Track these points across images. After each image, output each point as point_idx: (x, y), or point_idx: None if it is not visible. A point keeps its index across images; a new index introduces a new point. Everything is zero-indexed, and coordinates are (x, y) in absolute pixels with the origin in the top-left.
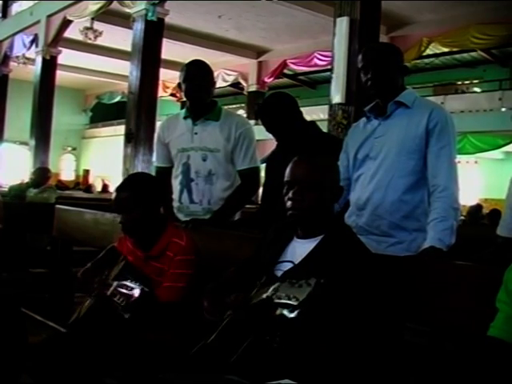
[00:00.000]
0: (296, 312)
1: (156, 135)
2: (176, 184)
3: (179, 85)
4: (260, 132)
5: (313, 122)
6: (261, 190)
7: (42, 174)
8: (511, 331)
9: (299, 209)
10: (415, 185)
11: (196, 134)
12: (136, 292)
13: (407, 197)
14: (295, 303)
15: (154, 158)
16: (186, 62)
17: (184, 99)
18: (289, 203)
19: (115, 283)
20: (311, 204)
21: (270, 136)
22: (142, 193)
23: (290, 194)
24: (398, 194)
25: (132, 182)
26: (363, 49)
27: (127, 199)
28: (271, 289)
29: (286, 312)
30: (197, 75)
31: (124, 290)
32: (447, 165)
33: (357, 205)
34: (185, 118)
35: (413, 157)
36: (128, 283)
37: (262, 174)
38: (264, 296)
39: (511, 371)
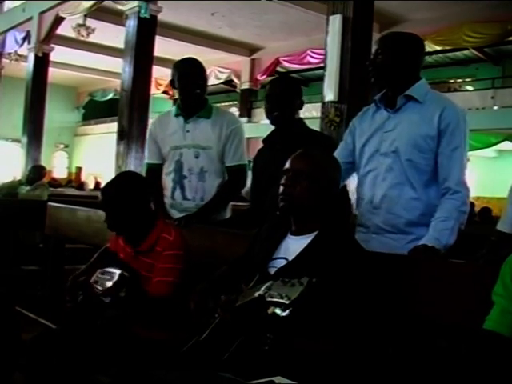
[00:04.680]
0: (288, 311)
1: (148, 132)
2: (168, 181)
3: (171, 82)
4: (252, 130)
5: (300, 119)
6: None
7: (37, 172)
8: (506, 324)
9: (289, 195)
10: (429, 181)
11: (188, 131)
12: (115, 276)
13: (422, 194)
14: (287, 302)
15: (146, 155)
16: (179, 59)
17: (177, 97)
18: (281, 189)
19: (98, 271)
20: (302, 192)
21: (263, 134)
22: (124, 192)
23: (283, 181)
24: (414, 192)
25: (114, 182)
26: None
27: (110, 199)
28: (264, 287)
29: (277, 311)
30: (193, 73)
31: (105, 276)
32: (459, 167)
33: (372, 203)
34: (176, 115)
35: (424, 156)
36: (109, 269)
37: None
38: (256, 294)
39: (507, 364)
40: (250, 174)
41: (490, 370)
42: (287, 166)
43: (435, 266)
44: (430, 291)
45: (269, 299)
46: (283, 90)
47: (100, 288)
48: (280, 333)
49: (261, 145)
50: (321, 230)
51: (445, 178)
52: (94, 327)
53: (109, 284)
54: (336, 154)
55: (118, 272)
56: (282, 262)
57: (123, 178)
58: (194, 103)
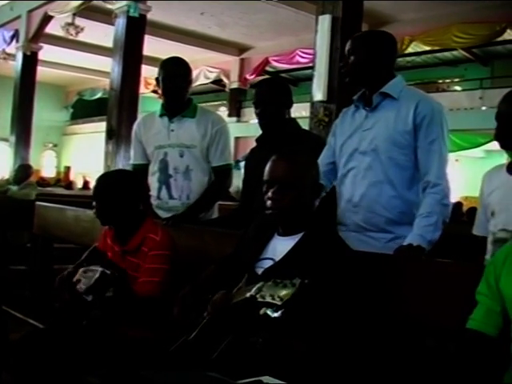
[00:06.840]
0: (280, 312)
1: (132, 133)
2: (154, 181)
3: (157, 80)
4: (241, 129)
5: (293, 119)
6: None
7: (24, 171)
8: (491, 324)
9: (279, 208)
10: (410, 179)
11: (172, 131)
12: (96, 274)
13: (403, 192)
14: (279, 303)
15: (131, 156)
16: (166, 58)
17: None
18: (268, 202)
19: (80, 270)
20: (291, 203)
21: (252, 133)
22: (118, 183)
23: (270, 194)
24: (394, 190)
25: (111, 173)
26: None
27: (103, 187)
28: (255, 288)
29: (269, 311)
30: (179, 74)
31: (87, 274)
32: (437, 160)
33: (351, 202)
34: (161, 115)
35: (404, 152)
36: (92, 267)
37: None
38: (247, 295)
39: (493, 363)
40: (239, 173)
41: (475, 370)
42: (268, 177)
43: (422, 265)
44: (417, 291)
45: (260, 300)
46: (271, 97)
47: (83, 286)
48: (272, 334)
49: (250, 144)
50: (307, 230)
51: (425, 172)
52: (80, 327)
53: (90, 282)
54: (322, 155)
55: (99, 270)
56: (269, 263)
57: (120, 172)
58: (179, 103)
